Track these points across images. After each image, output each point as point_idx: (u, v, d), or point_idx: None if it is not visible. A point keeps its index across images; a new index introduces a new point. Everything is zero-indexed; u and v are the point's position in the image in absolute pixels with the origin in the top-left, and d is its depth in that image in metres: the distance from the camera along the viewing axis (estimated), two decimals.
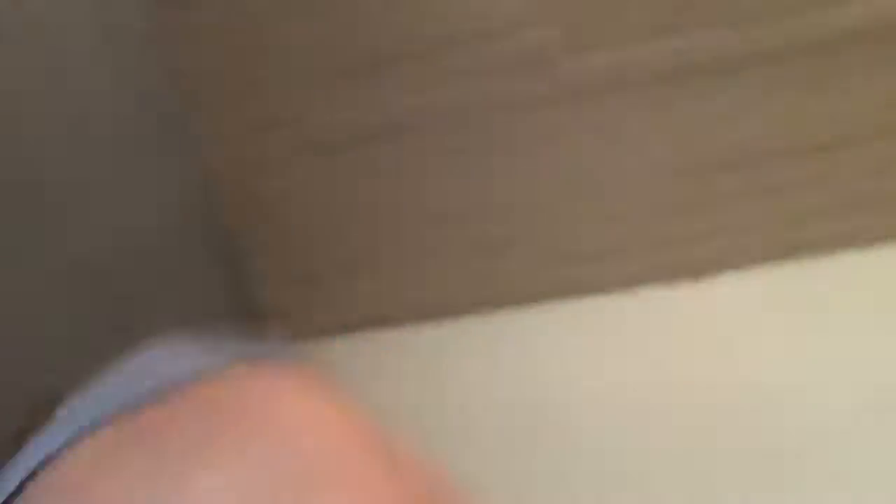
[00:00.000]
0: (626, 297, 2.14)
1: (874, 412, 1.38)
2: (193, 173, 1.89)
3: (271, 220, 2.13)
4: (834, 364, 1.55)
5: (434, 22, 1.87)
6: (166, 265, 1.86)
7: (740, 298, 1.93)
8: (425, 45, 1.88)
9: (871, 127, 1.92)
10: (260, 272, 2.33)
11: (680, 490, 1.46)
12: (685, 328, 1.82)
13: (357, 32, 1.90)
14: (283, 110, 1.99)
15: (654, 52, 1.82)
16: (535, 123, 1.92)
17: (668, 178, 1.94)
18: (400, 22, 1.88)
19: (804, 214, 2.00)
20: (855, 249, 2.02)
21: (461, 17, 1.86)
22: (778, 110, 1.91)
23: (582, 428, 1.59)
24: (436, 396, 1.80)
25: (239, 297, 2.13)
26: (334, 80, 1.94)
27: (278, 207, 2.10)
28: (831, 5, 1.82)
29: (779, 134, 1.90)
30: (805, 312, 1.78)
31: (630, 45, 1.83)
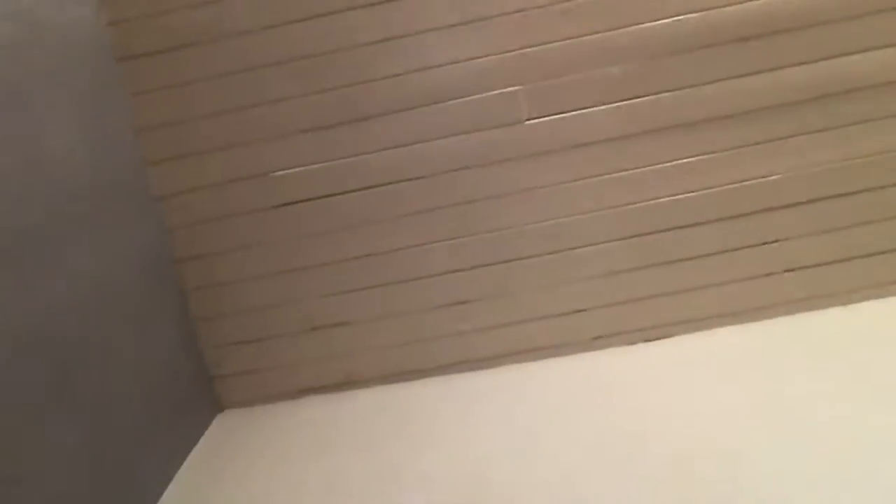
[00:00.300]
0: (585, 357, 2.12)
1: (825, 477, 1.38)
2: (151, 232, 1.84)
3: (221, 283, 2.07)
4: (783, 424, 1.56)
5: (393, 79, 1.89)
6: (121, 315, 1.79)
7: (695, 358, 1.94)
8: (385, 105, 1.90)
9: (820, 190, 1.98)
10: (209, 334, 2.24)
11: None
12: (640, 387, 1.82)
13: (313, 92, 1.91)
14: (240, 170, 1.96)
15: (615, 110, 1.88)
16: (499, 181, 1.94)
17: (623, 239, 1.97)
18: (362, 80, 1.90)
19: (756, 278, 2.04)
20: (805, 311, 2.06)
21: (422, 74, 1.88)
22: (735, 167, 1.96)
23: (537, 479, 1.54)
24: (385, 457, 1.74)
25: (188, 355, 2.03)
26: (298, 137, 1.93)
27: (228, 268, 2.04)
28: (771, 71, 1.91)
29: (725, 196, 1.96)
30: (761, 370, 1.79)
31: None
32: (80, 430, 1.47)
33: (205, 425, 2.06)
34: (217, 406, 2.14)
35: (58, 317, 1.47)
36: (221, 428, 2.06)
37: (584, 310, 2.05)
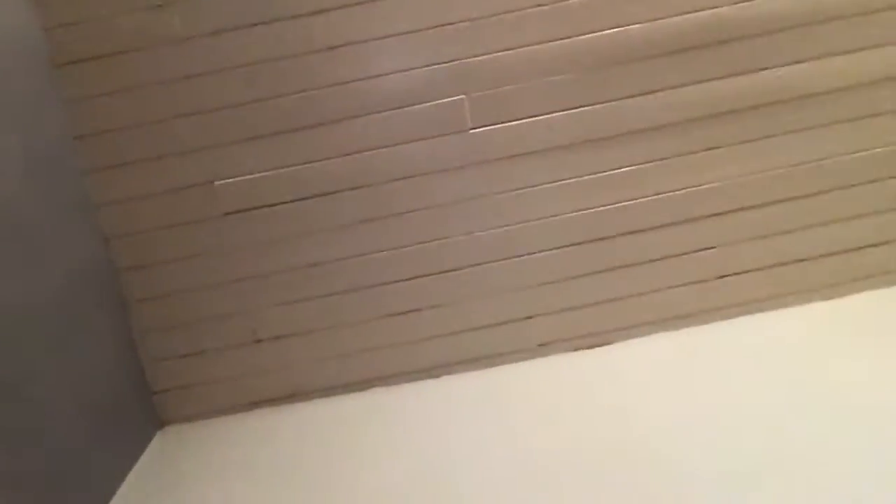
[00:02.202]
0: (531, 364, 2.14)
1: (763, 475, 1.43)
2: (90, 242, 1.81)
3: (163, 295, 2.02)
4: (726, 428, 1.61)
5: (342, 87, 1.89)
6: (55, 329, 1.75)
7: (643, 363, 1.98)
8: (332, 114, 1.90)
9: (769, 194, 2.04)
10: (150, 346, 2.18)
11: None
12: (589, 392, 1.85)
13: (257, 100, 1.89)
14: (182, 179, 1.92)
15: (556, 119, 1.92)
16: (446, 188, 1.95)
17: (567, 246, 2.01)
18: (307, 88, 1.89)
19: (706, 280, 2.10)
20: (758, 313, 2.12)
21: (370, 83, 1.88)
22: (673, 176, 2.02)
23: (487, 488, 1.55)
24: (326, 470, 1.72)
25: (128, 369, 1.99)
26: (242, 146, 1.91)
27: (171, 278, 1.99)
28: (710, 81, 1.98)
29: (679, 200, 2.01)
30: (700, 375, 1.85)
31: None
32: (7, 454, 1.41)
33: (146, 442, 1.99)
34: (158, 422, 2.08)
35: None
36: (163, 444, 2.00)
37: (530, 317, 2.08)
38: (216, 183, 1.93)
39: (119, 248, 1.96)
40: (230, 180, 1.94)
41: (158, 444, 2.01)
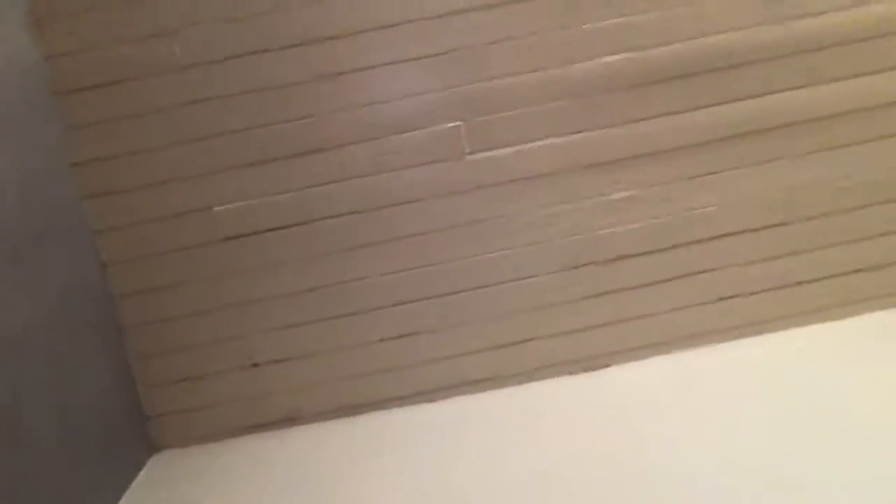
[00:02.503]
0: (528, 387, 2.13)
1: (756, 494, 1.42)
2: (87, 268, 1.82)
3: (160, 320, 2.02)
4: (724, 451, 1.59)
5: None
6: (56, 349, 1.75)
7: (635, 387, 1.97)
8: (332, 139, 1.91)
9: (769, 216, 2.03)
10: (145, 371, 2.17)
11: None
12: (585, 416, 1.84)
13: (258, 126, 1.91)
14: (180, 204, 1.93)
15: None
16: (445, 212, 1.96)
17: (563, 270, 2.01)
18: (305, 115, 1.91)
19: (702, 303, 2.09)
20: (758, 335, 2.11)
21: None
22: (672, 199, 2.03)
23: None
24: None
25: (122, 394, 1.98)
26: (241, 171, 1.93)
27: (167, 304, 1.99)
28: (705, 107, 1.99)
29: (678, 223, 2.01)
30: (699, 398, 1.83)
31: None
32: None
33: (138, 467, 1.98)
34: (152, 447, 2.06)
35: None
36: (156, 470, 1.98)
37: (525, 341, 2.07)
38: (215, 208, 1.94)
39: (116, 273, 1.97)
40: (229, 205, 1.95)
41: (151, 469, 1.99)
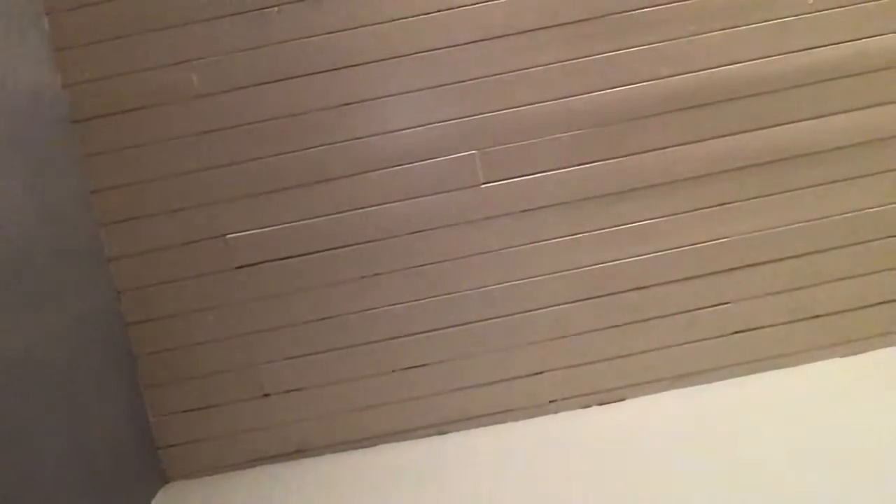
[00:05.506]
0: (542, 420, 2.10)
1: None
2: (103, 295, 1.83)
3: (172, 349, 2.01)
4: (738, 488, 1.56)
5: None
6: (68, 377, 1.74)
7: (657, 420, 1.94)
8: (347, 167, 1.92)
9: (784, 249, 2.01)
10: (156, 401, 2.16)
11: None
12: (601, 450, 1.81)
13: (272, 155, 1.92)
14: (195, 232, 1.93)
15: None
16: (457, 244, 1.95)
17: (577, 301, 1.99)
18: (321, 144, 1.91)
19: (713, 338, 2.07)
20: (774, 370, 2.08)
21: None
22: (686, 231, 2.01)
23: None
24: None
25: (133, 424, 1.96)
26: (255, 199, 1.93)
27: (179, 332, 1.99)
28: (721, 137, 1.98)
29: (693, 255, 2.00)
30: (714, 433, 1.80)
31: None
32: None
33: (149, 498, 1.95)
34: (163, 478, 2.04)
35: None
36: (167, 500, 1.96)
37: (540, 372, 2.05)
38: (229, 236, 1.95)
39: (130, 301, 1.97)
40: (243, 233, 1.95)
41: (162, 500, 1.96)
